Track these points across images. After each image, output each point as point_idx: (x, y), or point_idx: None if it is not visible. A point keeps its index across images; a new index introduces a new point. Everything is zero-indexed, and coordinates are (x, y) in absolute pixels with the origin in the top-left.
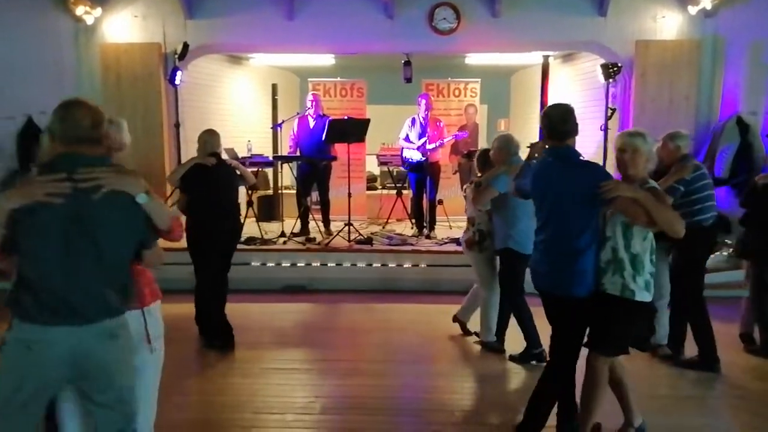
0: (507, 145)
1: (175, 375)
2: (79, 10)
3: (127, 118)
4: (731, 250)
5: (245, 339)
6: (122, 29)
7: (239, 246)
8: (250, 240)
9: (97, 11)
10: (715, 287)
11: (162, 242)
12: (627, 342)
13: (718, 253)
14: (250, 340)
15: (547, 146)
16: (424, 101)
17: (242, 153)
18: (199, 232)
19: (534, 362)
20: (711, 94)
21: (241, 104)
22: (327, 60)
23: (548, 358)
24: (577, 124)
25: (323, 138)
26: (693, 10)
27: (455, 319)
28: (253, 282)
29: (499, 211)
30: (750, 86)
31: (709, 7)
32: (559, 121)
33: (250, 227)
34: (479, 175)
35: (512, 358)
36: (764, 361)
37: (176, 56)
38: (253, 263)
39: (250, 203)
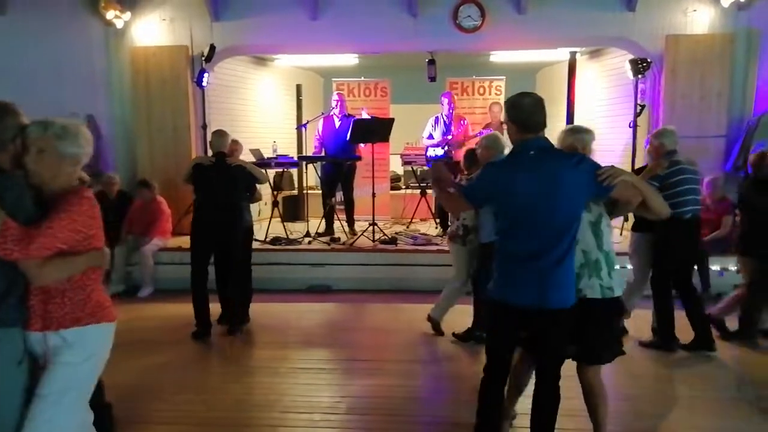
0: (494, 144)
1: (203, 372)
2: (110, 15)
3: (156, 119)
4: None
5: (272, 338)
6: (151, 32)
7: (265, 246)
8: (276, 240)
9: (127, 15)
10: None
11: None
12: (619, 342)
13: None
14: (277, 339)
15: (518, 139)
16: (446, 99)
17: (267, 153)
18: (196, 223)
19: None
20: (744, 88)
21: (266, 105)
22: (350, 60)
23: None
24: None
25: (348, 138)
26: (726, 2)
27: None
28: (278, 282)
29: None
30: None
31: None
32: (535, 111)
33: (276, 227)
34: (466, 173)
35: (455, 336)
36: None
37: (203, 58)
38: (278, 263)
39: (275, 203)
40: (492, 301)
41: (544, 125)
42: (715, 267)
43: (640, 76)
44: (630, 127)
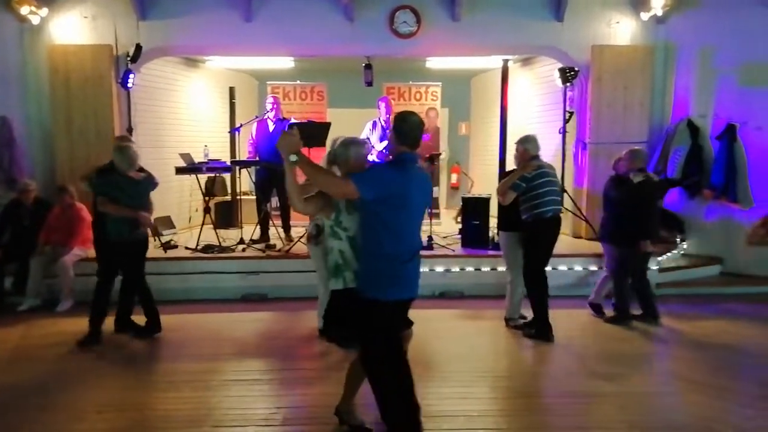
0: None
1: (127, 388)
2: (24, 10)
3: (77, 122)
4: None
5: (203, 350)
6: (71, 30)
7: (196, 254)
8: (208, 248)
9: (44, 11)
10: (668, 285)
11: None
12: None
13: (672, 252)
14: (208, 351)
15: (403, 152)
16: (384, 104)
17: (198, 158)
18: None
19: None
20: (663, 98)
21: (197, 108)
22: (286, 63)
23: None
24: None
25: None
26: (645, 16)
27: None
28: (210, 291)
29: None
30: (699, 90)
31: (660, 13)
32: (419, 129)
33: (208, 234)
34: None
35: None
36: None
37: (128, 58)
38: (210, 272)
39: (207, 210)
40: (382, 303)
41: (420, 142)
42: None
43: (568, 84)
44: (560, 132)
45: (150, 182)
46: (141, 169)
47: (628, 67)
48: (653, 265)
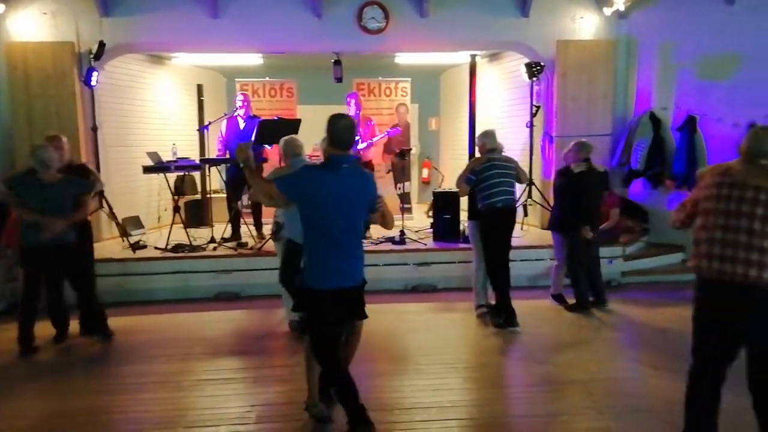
0: (285, 146)
1: (95, 393)
2: None
3: (38, 121)
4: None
5: (175, 351)
6: (30, 27)
7: (166, 254)
8: (178, 247)
9: (0, 7)
10: (633, 273)
11: None
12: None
13: (636, 241)
14: (180, 351)
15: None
16: (353, 100)
17: (167, 156)
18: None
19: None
20: (626, 91)
21: (164, 106)
22: (255, 59)
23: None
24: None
25: (253, 139)
26: (608, 11)
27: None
28: (182, 291)
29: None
30: (660, 84)
31: (622, 8)
32: (349, 130)
33: (178, 234)
34: None
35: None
36: None
37: (91, 56)
38: (181, 272)
39: (177, 209)
40: (309, 290)
41: (351, 144)
42: (605, 256)
43: (534, 78)
44: (527, 126)
45: (72, 184)
46: (83, 171)
47: (592, 61)
48: (617, 254)
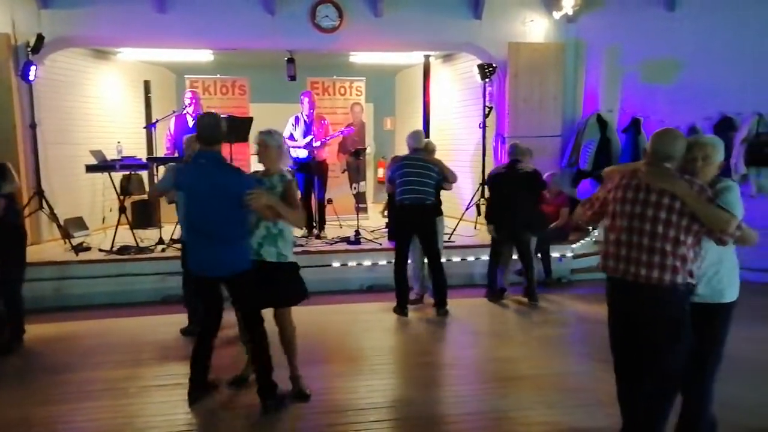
0: (186, 145)
1: (37, 403)
2: None
3: None
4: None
5: (120, 357)
6: None
7: (111, 257)
8: (124, 249)
9: None
10: (582, 271)
11: None
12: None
13: (585, 239)
14: (127, 357)
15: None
16: (307, 99)
17: (111, 155)
18: None
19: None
20: (575, 93)
21: (109, 103)
22: (205, 56)
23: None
24: (225, 134)
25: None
26: (557, 15)
27: None
28: (128, 294)
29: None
30: (607, 86)
31: (570, 13)
32: (209, 128)
33: (124, 235)
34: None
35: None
36: None
37: (29, 49)
38: (127, 274)
39: (122, 209)
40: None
41: (215, 141)
42: (555, 254)
43: (487, 80)
44: (480, 127)
45: None
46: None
47: (543, 63)
48: (568, 252)
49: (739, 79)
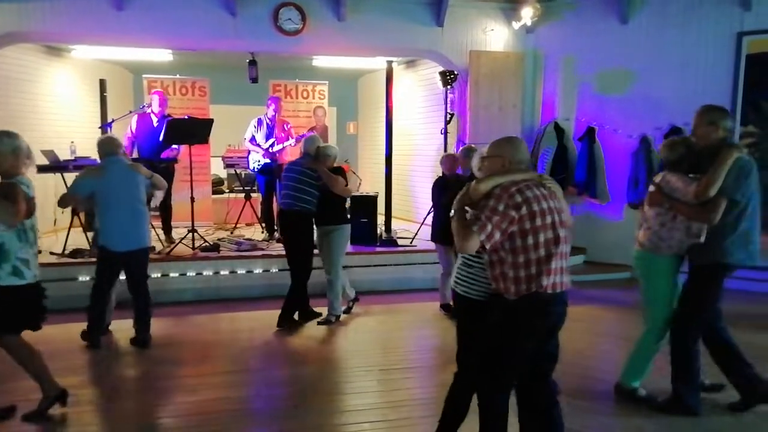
0: (98, 147)
1: None
2: None
3: None
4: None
5: (74, 363)
6: None
7: (63, 260)
8: (76, 252)
9: None
10: None
11: None
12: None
13: None
14: (81, 364)
15: None
16: (273, 105)
17: (64, 155)
18: None
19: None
20: (533, 101)
21: (62, 101)
22: (164, 55)
23: None
24: None
25: (161, 139)
26: (516, 25)
27: None
28: (80, 300)
29: None
30: (564, 95)
31: (529, 23)
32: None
33: (77, 238)
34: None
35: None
36: None
37: None
38: (80, 278)
39: (75, 211)
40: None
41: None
42: None
43: (449, 86)
44: (441, 134)
45: None
46: None
47: (503, 71)
48: None
49: (688, 90)
